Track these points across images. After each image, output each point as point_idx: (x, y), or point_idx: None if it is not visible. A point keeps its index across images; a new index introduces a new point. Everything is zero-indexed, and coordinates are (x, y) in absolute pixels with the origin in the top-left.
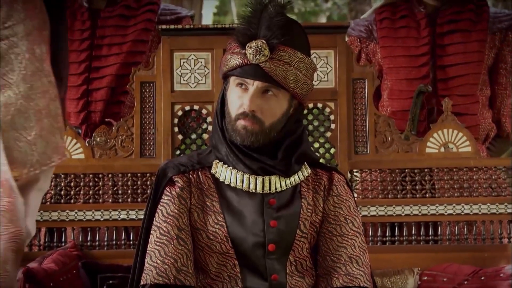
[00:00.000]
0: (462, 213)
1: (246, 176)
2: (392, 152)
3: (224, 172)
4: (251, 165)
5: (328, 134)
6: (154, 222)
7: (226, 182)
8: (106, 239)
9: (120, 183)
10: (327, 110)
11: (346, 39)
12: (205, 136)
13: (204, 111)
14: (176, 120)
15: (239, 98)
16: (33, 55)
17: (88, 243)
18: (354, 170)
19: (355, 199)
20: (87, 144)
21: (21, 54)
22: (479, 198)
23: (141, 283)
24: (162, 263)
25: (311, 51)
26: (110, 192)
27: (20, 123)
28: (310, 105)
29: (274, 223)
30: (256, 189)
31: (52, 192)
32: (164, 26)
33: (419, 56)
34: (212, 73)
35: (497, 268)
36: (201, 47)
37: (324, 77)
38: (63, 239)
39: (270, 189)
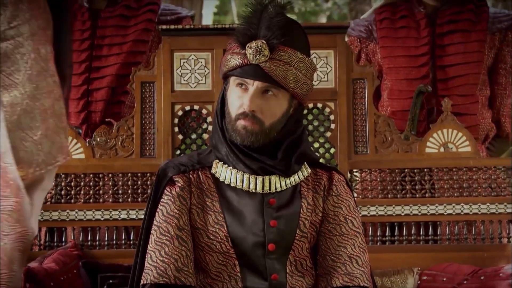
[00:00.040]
0: (462, 213)
1: (246, 176)
2: (392, 152)
3: (224, 172)
4: (251, 165)
5: (328, 134)
6: (154, 221)
7: (226, 182)
8: (106, 238)
9: (120, 183)
10: (327, 110)
11: (346, 39)
12: (205, 136)
13: (204, 111)
14: (176, 120)
15: (239, 98)
16: (38, 55)
17: (89, 243)
18: (354, 170)
19: (355, 199)
20: (87, 144)
21: (27, 54)
22: (478, 198)
23: (142, 282)
24: (162, 263)
25: (311, 51)
26: (110, 192)
27: (26, 123)
28: (310, 105)
29: (274, 222)
30: (256, 189)
31: (53, 192)
32: (164, 26)
33: (419, 56)
34: (212, 73)
35: (496, 267)
36: (201, 47)
37: (324, 77)
38: (63, 239)
39: (270, 189)
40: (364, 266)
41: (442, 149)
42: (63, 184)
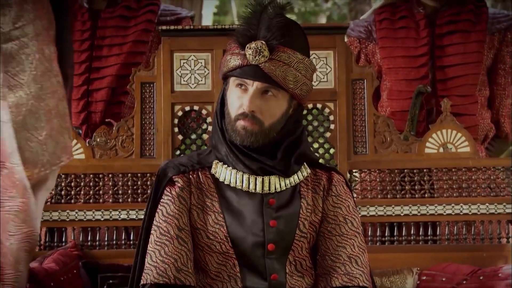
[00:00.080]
0: (461, 213)
1: (245, 176)
2: (391, 153)
3: (224, 172)
4: (250, 165)
5: (328, 134)
6: (154, 222)
7: (226, 182)
8: (106, 239)
9: (120, 183)
10: (327, 110)
11: (346, 39)
12: (205, 136)
13: (204, 112)
14: (176, 121)
15: (238, 99)
16: (43, 55)
17: (89, 243)
18: (353, 170)
19: (354, 199)
20: (87, 145)
21: (32, 55)
22: (478, 198)
23: (141, 282)
24: (162, 263)
25: (311, 52)
26: (110, 192)
27: (31, 123)
28: (310, 106)
29: (274, 223)
30: (255, 189)
31: (53, 192)
32: (164, 27)
33: (418, 56)
34: (212, 74)
35: (495, 268)
36: (201, 47)
37: (323, 78)
38: (63, 239)
39: (269, 189)
40: (363, 266)
41: (441, 150)
42: (63, 184)
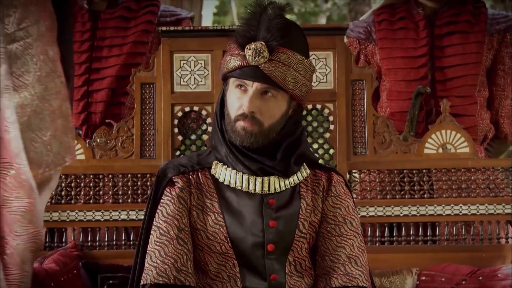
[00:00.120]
0: (460, 214)
1: (245, 176)
2: (391, 153)
3: (224, 173)
4: (250, 166)
5: (327, 135)
6: (154, 222)
7: (225, 183)
8: (106, 239)
9: (120, 184)
10: (326, 111)
11: (345, 40)
12: (205, 137)
13: (203, 112)
14: (176, 121)
15: (238, 100)
16: (47, 56)
17: (89, 243)
18: (353, 171)
19: (354, 199)
20: (87, 145)
21: (36, 56)
22: (477, 198)
23: (141, 283)
24: (162, 263)
25: (310, 53)
26: (110, 192)
27: (36, 124)
28: (309, 106)
29: (273, 223)
30: (255, 189)
31: (53, 192)
32: (164, 28)
33: (418, 57)
34: (211, 75)
35: (495, 268)
36: (200, 48)
37: (323, 79)
38: (63, 240)
39: (269, 190)
40: (363, 267)
41: (440, 150)
42: (63, 184)
